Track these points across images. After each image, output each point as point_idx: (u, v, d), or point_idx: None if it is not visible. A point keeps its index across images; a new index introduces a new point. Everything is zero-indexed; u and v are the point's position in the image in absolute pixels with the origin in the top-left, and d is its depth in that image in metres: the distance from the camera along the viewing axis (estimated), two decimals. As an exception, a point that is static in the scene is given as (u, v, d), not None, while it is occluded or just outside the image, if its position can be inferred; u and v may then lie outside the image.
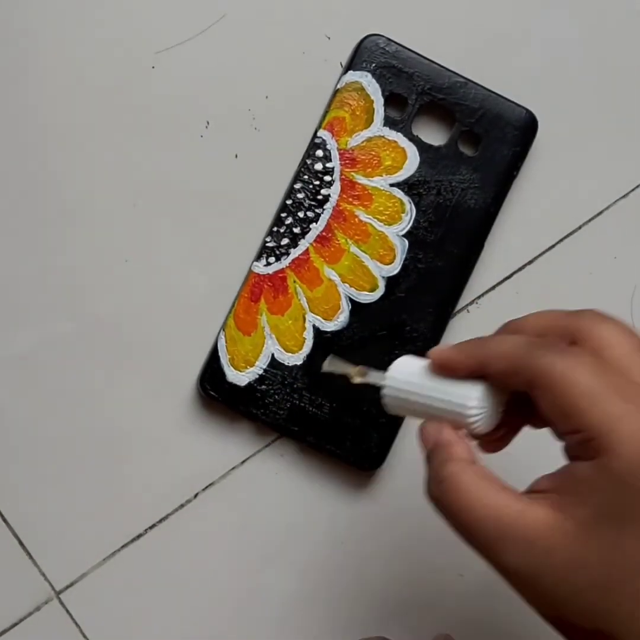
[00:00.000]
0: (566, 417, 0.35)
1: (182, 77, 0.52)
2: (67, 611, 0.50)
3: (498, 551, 0.36)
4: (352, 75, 0.52)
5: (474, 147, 0.52)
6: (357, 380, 0.43)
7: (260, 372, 0.50)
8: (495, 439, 0.40)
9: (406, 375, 0.40)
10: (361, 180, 0.51)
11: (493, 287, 0.53)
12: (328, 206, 0.51)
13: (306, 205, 0.51)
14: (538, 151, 0.53)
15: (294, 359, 0.51)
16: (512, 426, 0.40)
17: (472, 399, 0.38)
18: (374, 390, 0.50)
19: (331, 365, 0.44)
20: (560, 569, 0.35)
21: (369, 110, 0.52)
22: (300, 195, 0.51)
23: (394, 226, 0.51)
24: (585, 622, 0.35)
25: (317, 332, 0.51)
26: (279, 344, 0.51)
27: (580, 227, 0.53)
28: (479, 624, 0.51)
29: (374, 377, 0.42)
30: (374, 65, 0.52)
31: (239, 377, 0.50)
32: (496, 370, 0.38)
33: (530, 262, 0.53)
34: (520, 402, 0.38)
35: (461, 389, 0.39)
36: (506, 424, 0.40)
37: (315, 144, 0.51)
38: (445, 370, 0.39)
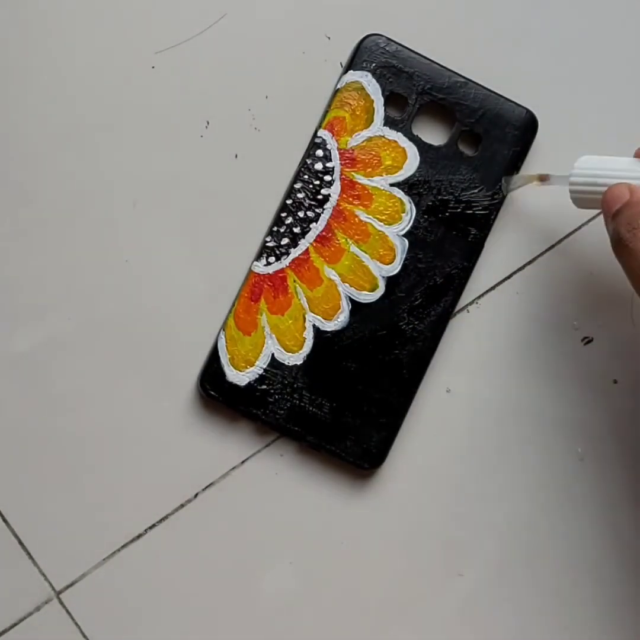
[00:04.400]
0: None
1: (182, 77, 0.52)
2: (67, 611, 0.50)
3: None
4: (352, 75, 0.52)
5: (474, 147, 0.52)
6: (540, 184, 0.49)
7: (260, 372, 0.50)
8: None
9: (590, 167, 0.47)
10: (361, 180, 0.51)
11: (493, 287, 0.53)
12: (328, 206, 0.51)
13: (306, 205, 0.51)
14: (538, 151, 0.53)
15: (294, 358, 0.51)
16: None
17: None
18: (375, 390, 0.51)
19: (512, 184, 0.50)
20: None
21: (369, 110, 0.52)
22: (300, 195, 0.51)
23: (394, 226, 0.51)
24: None
25: (317, 331, 0.51)
26: (279, 343, 0.51)
27: (580, 227, 0.53)
28: (479, 624, 0.51)
29: (556, 178, 0.49)
30: (374, 65, 0.52)
31: (239, 377, 0.50)
32: None
33: (530, 262, 0.53)
34: None
35: None
36: None
37: (315, 144, 0.51)
38: None
